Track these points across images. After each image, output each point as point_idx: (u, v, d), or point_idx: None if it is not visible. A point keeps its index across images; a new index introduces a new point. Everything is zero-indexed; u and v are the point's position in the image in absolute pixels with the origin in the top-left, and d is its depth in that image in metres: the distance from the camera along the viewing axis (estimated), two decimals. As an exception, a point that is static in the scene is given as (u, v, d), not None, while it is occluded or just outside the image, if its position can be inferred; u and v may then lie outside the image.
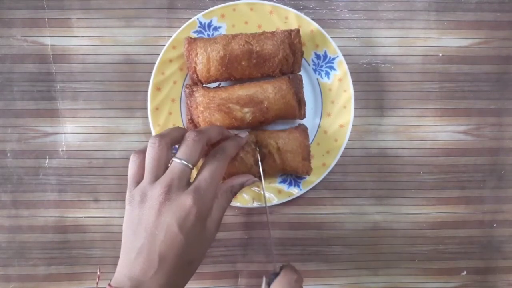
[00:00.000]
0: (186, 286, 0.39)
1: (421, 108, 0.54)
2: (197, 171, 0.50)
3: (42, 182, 0.54)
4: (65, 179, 0.54)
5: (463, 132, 0.55)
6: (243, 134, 0.47)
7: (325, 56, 0.51)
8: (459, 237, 0.56)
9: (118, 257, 0.37)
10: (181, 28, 0.50)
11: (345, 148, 0.51)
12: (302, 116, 0.50)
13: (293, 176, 0.52)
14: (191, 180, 0.39)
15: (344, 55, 0.50)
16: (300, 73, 0.50)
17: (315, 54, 0.51)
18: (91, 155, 0.54)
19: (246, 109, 0.47)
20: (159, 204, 0.36)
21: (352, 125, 0.51)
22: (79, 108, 0.53)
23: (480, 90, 0.54)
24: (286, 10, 0.50)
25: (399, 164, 0.55)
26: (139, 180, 0.38)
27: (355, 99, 0.51)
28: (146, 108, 0.51)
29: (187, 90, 0.49)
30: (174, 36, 0.50)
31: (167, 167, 0.39)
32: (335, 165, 0.51)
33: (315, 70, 0.52)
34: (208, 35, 0.50)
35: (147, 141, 0.39)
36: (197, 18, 0.50)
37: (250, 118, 0.48)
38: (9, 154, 0.53)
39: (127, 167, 0.39)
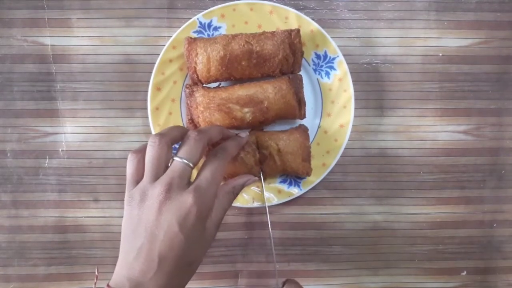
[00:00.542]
0: (186, 286, 0.38)
1: (421, 108, 0.54)
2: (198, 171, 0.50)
3: (42, 182, 0.54)
4: (65, 179, 0.54)
5: (463, 132, 0.55)
6: (244, 134, 0.47)
7: (325, 56, 0.51)
8: (459, 237, 0.56)
9: (118, 257, 0.37)
10: (181, 28, 0.50)
11: (345, 148, 0.51)
12: (302, 116, 0.50)
13: (293, 176, 0.52)
14: (192, 180, 0.39)
15: (344, 55, 0.50)
16: (300, 73, 0.50)
17: (315, 54, 0.51)
18: (91, 155, 0.54)
19: (246, 109, 0.47)
20: (159, 203, 0.36)
21: (352, 125, 0.51)
22: (79, 108, 0.53)
23: (480, 90, 0.54)
24: (286, 10, 0.50)
25: (399, 164, 0.55)
26: (138, 179, 0.38)
27: (355, 99, 0.51)
28: (146, 108, 0.51)
29: (187, 90, 0.49)
30: (174, 36, 0.50)
31: (167, 167, 0.38)
32: (335, 165, 0.51)
33: (315, 70, 0.52)
34: (208, 35, 0.50)
35: (147, 141, 0.38)
36: (197, 18, 0.50)
37: (250, 118, 0.48)
38: (9, 154, 0.53)
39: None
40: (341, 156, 0.51)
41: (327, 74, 0.51)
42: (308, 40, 0.51)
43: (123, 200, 0.38)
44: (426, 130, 0.54)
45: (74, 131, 0.53)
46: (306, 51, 0.50)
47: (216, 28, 0.50)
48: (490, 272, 0.56)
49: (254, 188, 0.52)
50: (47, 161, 0.53)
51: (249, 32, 0.48)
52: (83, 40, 0.53)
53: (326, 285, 0.56)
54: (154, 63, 0.50)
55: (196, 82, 0.49)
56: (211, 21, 0.50)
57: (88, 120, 0.53)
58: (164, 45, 0.50)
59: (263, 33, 0.48)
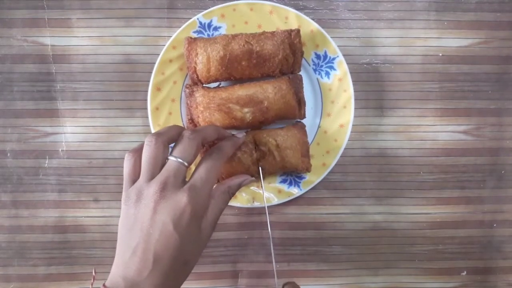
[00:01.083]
0: (184, 287, 0.38)
1: (421, 108, 0.54)
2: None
3: (42, 182, 0.54)
4: (65, 179, 0.54)
5: (463, 132, 0.55)
6: (240, 135, 0.47)
7: (325, 56, 0.51)
8: (459, 237, 0.56)
9: (115, 256, 0.37)
10: (181, 28, 0.50)
11: (345, 148, 0.51)
12: (302, 116, 0.50)
13: (293, 176, 0.52)
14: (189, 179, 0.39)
15: (344, 55, 0.50)
16: (300, 73, 0.50)
17: (315, 54, 0.51)
18: (91, 155, 0.54)
19: (246, 109, 0.47)
20: (154, 202, 0.36)
21: (352, 125, 0.51)
22: (79, 108, 0.53)
23: (480, 90, 0.54)
24: (286, 10, 0.50)
25: (399, 164, 0.55)
26: (134, 179, 0.38)
27: (355, 99, 0.51)
28: (146, 108, 0.51)
29: (187, 90, 0.49)
30: (174, 36, 0.50)
31: (163, 166, 0.39)
32: (335, 165, 0.51)
33: (315, 70, 0.52)
34: (208, 35, 0.50)
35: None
36: (197, 18, 0.50)
37: (250, 118, 0.48)
38: (9, 154, 0.53)
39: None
40: (341, 156, 0.51)
41: (327, 74, 0.51)
42: (308, 40, 0.51)
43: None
44: (426, 130, 0.54)
45: (74, 131, 0.53)
46: (306, 51, 0.50)
47: (216, 28, 0.50)
48: (490, 272, 0.56)
49: (253, 188, 0.52)
50: (47, 161, 0.53)
51: (249, 32, 0.48)
52: (83, 40, 0.53)
53: (326, 285, 0.56)
54: (154, 63, 0.50)
55: (196, 82, 0.49)
56: (211, 21, 0.50)
57: (88, 120, 0.53)
58: (164, 45, 0.50)
59: (263, 33, 0.48)
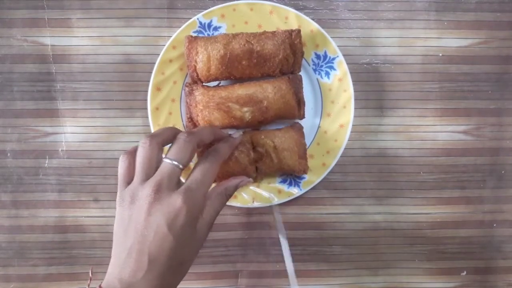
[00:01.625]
0: (184, 287, 0.38)
1: (421, 108, 0.54)
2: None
3: (42, 182, 0.54)
4: (65, 179, 0.54)
5: (463, 132, 0.55)
6: (237, 134, 0.47)
7: (325, 56, 0.51)
8: (459, 237, 0.56)
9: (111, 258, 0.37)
10: (181, 28, 0.50)
11: (345, 148, 0.51)
12: (302, 116, 0.50)
13: (293, 176, 0.52)
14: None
15: (344, 55, 0.50)
16: (300, 73, 0.50)
17: (315, 54, 0.51)
18: (91, 155, 0.54)
19: (245, 109, 0.47)
20: (149, 204, 0.36)
21: (352, 125, 0.51)
22: (79, 108, 0.53)
23: (480, 90, 0.54)
24: (286, 10, 0.50)
25: (399, 164, 0.55)
26: (129, 181, 0.38)
27: (355, 99, 0.51)
28: (146, 108, 0.51)
29: (187, 89, 0.49)
30: (174, 36, 0.50)
31: (158, 168, 0.38)
32: (335, 165, 0.51)
33: (315, 70, 0.52)
34: (208, 35, 0.50)
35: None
36: (197, 18, 0.50)
37: (250, 117, 0.48)
38: (9, 154, 0.53)
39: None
40: (341, 156, 0.51)
41: (327, 74, 0.51)
42: (308, 40, 0.51)
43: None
44: (426, 130, 0.54)
45: (74, 131, 0.53)
46: (306, 51, 0.50)
47: (216, 28, 0.50)
48: (490, 272, 0.56)
49: (253, 188, 0.52)
50: (47, 161, 0.53)
51: (249, 32, 0.48)
52: (83, 40, 0.53)
53: (326, 285, 0.56)
54: (154, 63, 0.50)
55: (196, 81, 0.49)
56: (211, 21, 0.50)
57: (88, 120, 0.53)
58: (164, 45, 0.50)
59: (264, 32, 0.48)
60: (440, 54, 0.54)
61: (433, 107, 0.54)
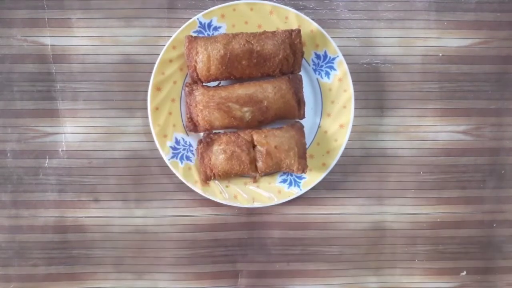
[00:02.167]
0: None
1: (421, 108, 0.54)
2: (197, 171, 0.51)
3: (42, 182, 0.54)
4: (65, 179, 0.54)
5: (463, 132, 0.55)
6: None
7: (325, 56, 0.51)
8: (459, 237, 0.56)
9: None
10: (181, 28, 0.50)
11: (345, 148, 0.51)
12: (302, 116, 0.50)
13: (293, 176, 0.52)
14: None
15: (344, 55, 0.50)
16: (300, 73, 0.50)
17: (315, 54, 0.51)
18: (91, 155, 0.54)
19: (245, 108, 0.47)
20: None
21: (352, 125, 0.51)
22: (79, 108, 0.53)
23: (480, 90, 0.54)
24: (286, 10, 0.50)
25: (399, 164, 0.55)
26: None
27: (355, 99, 0.51)
28: (146, 108, 0.51)
29: (187, 89, 0.49)
30: (174, 36, 0.50)
31: None
32: (335, 165, 0.51)
33: (315, 70, 0.52)
34: (208, 35, 0.50)
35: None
36: (197, 18, 0.50)
37: (249, 117, 0.48)
38: (9, 154, 0.53)
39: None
40: (341, 156, 0.51)
41: (327, 74, 0.51)
42: (308, 40, 0.51)
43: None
44: (426, 130, 0.54)
45: (74, 131, 0.53)
46: (306, 51, 0.50)
47: (216, 28, 0.50)
48: (490, 272, 0.56)
49: (253, 188, 0.52)
50: (47, 161, 0.53)
51: (249, 32, 0.48)
52: (83, 40, 0.53)
53: (326, 285, 0.56)
54: (154, 63, 0.50)
55: (196, 81, 0.49)
56: (211, 21, 0.50)
57: (88, 120, 0.53)
58: (164, 45, 0.50)
59: (264, 32, 0.48)
60: (440, 54, 0.54)
61: (433, 107, 0.54)
